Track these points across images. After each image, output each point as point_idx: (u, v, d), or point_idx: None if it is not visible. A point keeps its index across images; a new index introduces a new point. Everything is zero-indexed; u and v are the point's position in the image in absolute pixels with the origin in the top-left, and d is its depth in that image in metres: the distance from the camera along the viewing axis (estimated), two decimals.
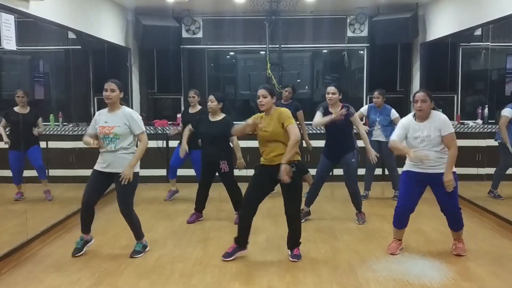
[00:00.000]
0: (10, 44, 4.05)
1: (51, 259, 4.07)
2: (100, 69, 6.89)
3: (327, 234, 4.71)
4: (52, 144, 6.11)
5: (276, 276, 3.67)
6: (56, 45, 6.25)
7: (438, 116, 3.92)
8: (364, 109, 6.14)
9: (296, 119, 5.47)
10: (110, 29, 6.75)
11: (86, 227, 4.16)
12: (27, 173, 5.49)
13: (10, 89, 5.91)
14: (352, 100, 7.57)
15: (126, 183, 3.93)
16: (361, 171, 6.14)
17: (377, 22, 7.47)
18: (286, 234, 4.11)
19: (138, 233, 4.18)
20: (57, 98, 7.11)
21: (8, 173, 5.45)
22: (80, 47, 6.58)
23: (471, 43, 7.29)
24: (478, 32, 6.36)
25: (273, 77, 7.46)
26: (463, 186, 6.07)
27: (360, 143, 5.10)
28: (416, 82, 7.53)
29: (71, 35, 5.98)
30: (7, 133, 5.46)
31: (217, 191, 5.97)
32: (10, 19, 4.02)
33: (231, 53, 8.24)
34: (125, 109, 4.02)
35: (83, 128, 5.94)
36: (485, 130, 6.74)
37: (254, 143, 4.17)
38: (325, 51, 8.14)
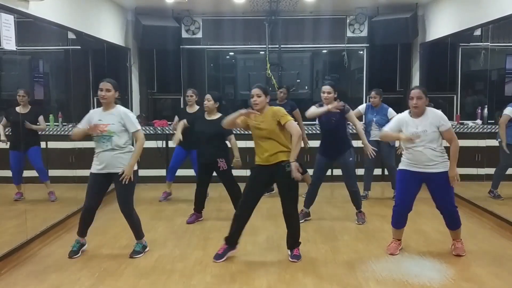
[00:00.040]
0: (10, 44, 4.04)
1: (51, 259, 4.07)
2: (100, 69, 6.88)
3: (327, 234, 4.71)
4: (52, 144, 6.11)
5: (276, 276, 3.67)
6: (56, 45, 6.25)
7: (434, 112, 3.95)
8: (362, 107, 6.13)
9: (294, 118, 5.46)
10: (110, 29, 6.75)
11: (84, 231, 4.17)
12: (27, 173, 5.50)
13: (10, 89, 5.91)
14: (352, 100, 7.57)
15: (127, 182, 3.94)
16: (360, 171, 6.15)
17: (377, 22, 7.48)
18: (286, 234, 4.11)
19: (138, 233, 4.18)
20: (57, 98, 7.10)
21: (8, 173, 5.45)
22: (80, 47, 6.58)
23: (471, 43, 7.30)
24: (477, 32, 6.36)
25: (272, 77, 7.45)
26: (463, 186, 6.10)
27: (358, 143, 5.11)
28: (415, 82, 7.53)
29: (71, 35, 5.98)
30: (8, 133, 5.46)
31: (217, 191, 5.98)
32: (10, 19, 4.02)
33: (231, 53, 8.24)
34: (120, 108, 4.03)
35: None
36: (485, 130, 6.74)
37: (253, 143, 4.17)
38: (325, 51, 8.13)
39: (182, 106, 7.10)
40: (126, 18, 7.41)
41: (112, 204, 4.86)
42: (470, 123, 7.06)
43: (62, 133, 6.35)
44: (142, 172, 7.35)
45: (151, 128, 7.42)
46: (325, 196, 6.22)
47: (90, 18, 6.01)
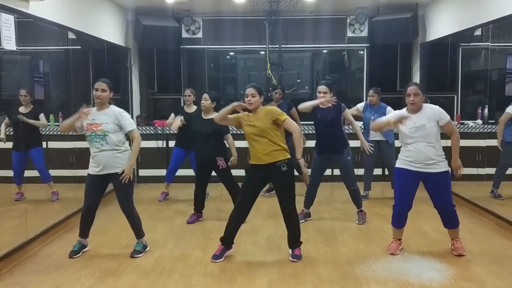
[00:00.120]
0: (10, 44, 4.05)
1: (51, 259, 4.07)
2: (100, 69, 6.88)
3: (327, 235, 4.71)
4: (52, 144, 6.11)
5: (276, 276, 3.67)
6: (56, 45, 6.25)
7: (431, 107, 3.97)
8: (360, 105, 6.13)
9: (291, 117, 5.48)
10: (110, 29, 6.75)
11: (85, 232, 4.18)
12: (27, 173, 5.51)
13: (10, 89, 5.91)
14: (352, 100, 7.58)
15: (127, 182, 3.95)
16: (360, 171, 6.15)
17: (377, 22, 7.48)
18: (286, 234, 4.11)
19: (138, 232, 4.19)
20: (57, 98, 7.10)
21: (8, 173, 5.46)
22: (80, 47, 6.59)
23: (471, 43, 7.30)
24: (478, 32, 6.36)
25: (273, 77, 7.45)
26: (463, 186, 6.11)
27: (357, 143, 5.11)
28: (418, 83, 7.51)
29: (71, 35, 5.98)
30: (10, 133, 5.46)
31: (217, 191, 5.98)
32: (10, 19, 4.02)
33: (231, 53, 8.24)
34: (114, 108, 4.03)
35: None
36: (485, 130, 6.74)
37: None
38: (325, 51, 8.13)
39: (182, 105, 7.11)
40: (126, 18, 7.41)
41: (112, 204, 4.86)
42: (470, 123, 7.07)
43: (62, 133, 6.34)
44: (142, 172, 7.41)
45: (151, 128, 7.42)
46: (325, 196, 6.22)
47: (90, 18, 6.01)
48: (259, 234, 4.71)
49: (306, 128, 6.72)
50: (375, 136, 5.91)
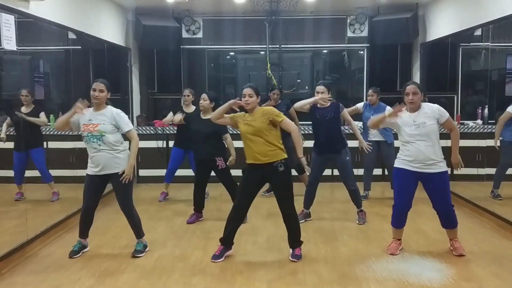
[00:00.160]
0: (10, 44, 4.05)
1: (51, 259, 4.07)
2: (100, 69, 6.88)
3: (327, 235, 4.71)
4: (52, 144, 6.11)
5: (276, 276, 3.67)
6: (56, 45, 6.25)
7: (430, 106, 3.98)
8: (360, 105, 6.14)
9: (290, 117, 5.48)
10: (110, 29, 6.75)
11: (84, 232, 4.19)
12: (27, 173, 5.51)
13: (10, 89, 5.91)
14: (352, 100, 7.57)
15: (127, 182, 3.96)
16: (360, 172, 6.15)
17: (377, 22, 7.48)
18: (286, 234, 4.11)
19: (138, 232, 4.19)
20: (57, 98, 7.10)
21: (8, 173, 5.46)
22: (80, 47, 6.58)
23: (471, 43, 7.30)
24: (478, 32, 6.36)
25: (273, 77, 7.45)
26: (463, 186, 6.12)
27: (355, 143, 5.11)
28: (417, 82, 7.52)
29: (71, 35, 5.97)
30: (12, 133, 5.46)
31: (217, 191, 5.98)
32: (10, 19, 4.02)
33: (231, 53, 8.23)
34: (112, 108, 4.03)
35: None
36: (485, 130, 6.74)
37: None
38: (325, 51, 8.13)
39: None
40: (127, 18, 7.41)
41: (112, 204, 4.86)
42: (470, 123, 7.07)
43: (62, 133, 6.35)
44: (142, 172, 7.41)
45: (151, 128, 7.43)
46: (325, 196, 6.23)
47: (91, 18, 6.01)
48: (259, 234, 4.71)
49: (305, 128, 6.72)
50: (374, 136, 5.91)
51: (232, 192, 5.01)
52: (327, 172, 6.23)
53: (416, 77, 7.56)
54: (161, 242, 4.49)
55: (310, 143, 5.30)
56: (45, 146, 5.87)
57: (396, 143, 5.76)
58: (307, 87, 7.72)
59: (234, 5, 6.96)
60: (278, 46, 7.57)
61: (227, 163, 5.03)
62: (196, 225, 5.09)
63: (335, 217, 5.38)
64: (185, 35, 7.73)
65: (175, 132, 6.18)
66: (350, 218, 5.21)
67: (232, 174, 5.11)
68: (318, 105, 4.88)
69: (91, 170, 4.02)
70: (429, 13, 7.22)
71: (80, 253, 4.14)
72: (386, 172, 6.54)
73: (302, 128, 6.61)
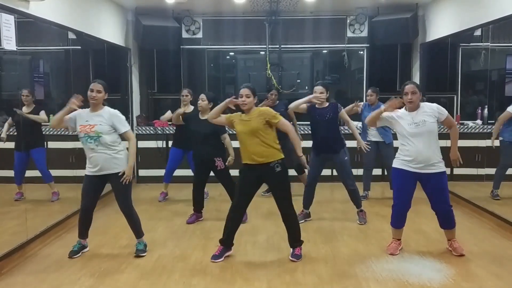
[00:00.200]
0: (10, 44, 4.05)
1: (51, 259, 4.07)
2: (100, 69, 6.88)
3: (327, 235, 4.72)
4: (52, 144, 6.10)
5: (276, 276, 3.67)
6: (56, 45, 6.24)
7: (429, 105, 4.00)
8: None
9: (288, 117, 5.49)
10: (110, 29, 6.75)
11: (84, 232, 4.19)
12: (27, 173, 5.50)
13: (10, 89, 5.91)
14: (352, 100, 7.54)
15: (127, 183, 3.97)
16: (360, 172, 6.16)
17: (377, 23, 7.48)
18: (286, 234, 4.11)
19: (138, 231, 4.20)
20: (57, 98, 7.09)
21: (8, 173, 5.45)
22: (80, 47, 6.58)
23: (471, 44, 7.29)
24: (478, 32, 6.36)
25: (273, 77, 7.46)
26: (463, 186, 6.12)
27: (354, 143, 5.11)
28: (416, 82, 7.52)
29: (71, 35, 5.97)
30: (13, 133, 5.45)
31: (217, 191, 5.98)
32: (10, 19, 4.02)
33: (231, 53, 8.23)
34: (109, 109, 4.03)
35: None
36: (485, 130, 6.74)
37: None
38: (325, 51, 8.13)
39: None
40: (127, 18, 7.41)
41: (112, 204, 4.86)
42: (470, 123, 7.07)
43: (62, 133, 6.35)
44: (142, 172, 7.41)
45: (151, 128, 7.43)
46: (325, 196, 6.23)
47: (90, 18, 6.01)
48: (259, 234, 4.71)
49: (303, 129, 6.72)
50: (373, 137, 5.92)
51: (231, 192, 5.00)
52: (327, 172, 6.24)
53: (416, 77, 7.56)
54: (161, 242, 4.49)
55: (308, 143, 5.30)
56: (45, 146, 5.87)
57: (395, 143, 5.81)
58: (307, 87, 7.72)
59: (234, 5, 6.96)
60: (278, 46, 7.57)
61: (226, 163, 5.02)
62: (196, 225, 5.09)
63: (335, 217, 5.38)
64: (185, 35, 7.73)
65: (174, 132, 6.18)
66: (350, 218, 5.21)
67: (231, 174, 5.11)
68: (316, 106, 4.89)
69: (89, 170, 4.02)
70: (429, 13, 7.22)
71: (80, 253, 4.15)
72: (386, 172, 6.53)
73: (300, 128, 6.60)
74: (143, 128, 7.44)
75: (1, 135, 5.42)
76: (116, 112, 4.04)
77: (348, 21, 7.66)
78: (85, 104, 4.02)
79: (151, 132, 7.38)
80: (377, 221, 5.12)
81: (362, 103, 6.10)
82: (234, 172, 5.20)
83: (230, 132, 5.32)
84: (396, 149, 4.20)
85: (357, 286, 3.49)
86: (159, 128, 7.34)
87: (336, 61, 7.96)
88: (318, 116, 4.87)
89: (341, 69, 7.90)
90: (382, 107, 4.09)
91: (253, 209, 5.51)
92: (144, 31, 7.28)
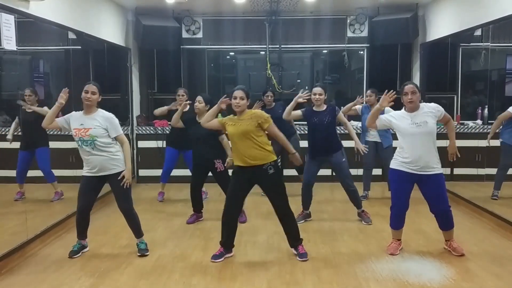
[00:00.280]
0: (10, 44, 4.05)
1: (51, 259, 4.07)
2: (100, 69, 6.88)
3: (327, 235, 4.71)
4: (52, 144, 6.09)
5: (276, 276, 3.67)
6: (56, 45, 6.25)
7: (428, 105, 4.00)
8: (358, 107, 6.14)
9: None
10: (110, 29, 6.75)
11: (82, 233, 4.19)
12: (29, 173, 5.49)
13: (10, 89, 5.91)
14: (352, 100, 7.55)
15: (128, 186, 3.99)
16: (360, 172, 6.16)
17: (377, 23, 7.48)
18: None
19: (138, 231, 4.20)
20: (57, 98, 7.09)
21: (8, 173, 5.45)
22: (80, 47, 6.58)
23: (471, 44, 7.29)
24: (478, 32, 6.36)
25: (273, 77, 7.46)
26: (463, 186, 6.12)
27: (352, 143, 5.12)
28: (416, 82, 7.49)
29: (71, 35, 5.97)
30: (19, 133, 5.45)
31: (217, 191, 5.96)
32: (10, 19, 4.02)
33: (231, 53, 8.24)
34: (103, 112, 4.01)
35: None
36: (485, 130, 6.73)
37: None
38: (325, 51, 8.13)
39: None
40: (127, 18, 7.41)
41: (112, 204, 4.86)
42: (470, 123, 7.07)
43: (63, 133, 6.34)
44: (142, 172, 7.41)
45: (151, 128, 7.43)
46: (325, 196, 6.23)
47: (91, 18, 6.01)
48: (259, 234, 4.71)
49: (303, 129, 6.73)
50: (373, 137, 5.91)
51: None
52: (327, 172, 6.23)
53: (416, 77, 7.56)
54: (161, 242, 4.49)
55: (305, 143, 5.30)
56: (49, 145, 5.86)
57: (395, 143, 5.80)
58: (307, 87, 7.70)
59: (234, 5, 6.96)
60: (278, 46, 7.57)
61: (225, 165, 5.02)
62: (196, 225, 5.09)
63: (335, 217, 5.38)
64: (185, 35, 7.74)
65: (169, 131, 6.17)
66: (350, 218, 5.21)
67: (230, 175, 5.10)
68: (314, 108, 4.88)
69: (87, 171, 4.02)
70: (429, 13, 7.22)
71: (80, 253, 4.14)
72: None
73: (298, 128, 6.60)
74: (143, 128, 7.44)
75: (8, 136, 5.41)
76: (111, 116, 4.01)
77: (348, 21, 7.66)
78: (77, 106, 4.01)
79: (151, 132, 7.38)
80: (377, 221, 5.11)
81: (363, 98, 6.11)
82: None
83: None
84: (395, 149, 4.19)
85: (357, 286, 3.49)
86: (159, 128, 7.34)
87: (336, 61, 7.96)
88: (318, 120, 4.86)
89: (341, 69, 7.90)
90: (378, 106, 4.09)
91: (253, 209, 5.52)
92: (144, 31, 7.28)
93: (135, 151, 7.38)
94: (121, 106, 7.46)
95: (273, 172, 3.89)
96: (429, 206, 4.05)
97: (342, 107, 5.68)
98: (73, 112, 4.06)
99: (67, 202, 5.48)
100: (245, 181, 3.99)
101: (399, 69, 7.94)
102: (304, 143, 5.49)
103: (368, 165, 6.11)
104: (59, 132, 5.46)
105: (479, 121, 7.06)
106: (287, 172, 6.66)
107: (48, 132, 5.84)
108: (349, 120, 5.66)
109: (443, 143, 4.13)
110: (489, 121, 6.80)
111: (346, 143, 5.11)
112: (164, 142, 7.23)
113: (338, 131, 5.13)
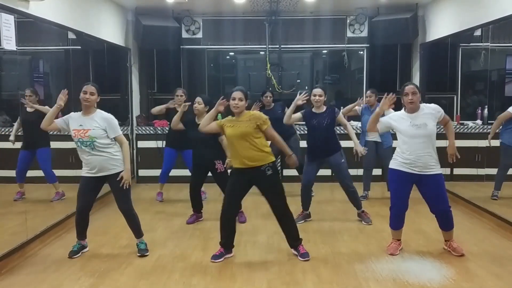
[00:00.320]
0: (10, 44, 4.05)
1: (51, 259, 4.07)
2: (100, 69, 6.88)
3: (327, 235, 4.71)
4: (52, 144, 6.09)
5: (276, 276, 3.67)
6: (56, 45, 6.25)
7: (428, 106, 3.99)
8: (358, 108, 6.15)
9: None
10: (110, 29, 6.75)
11: (81, 234, 4.19)
12: (29, 173, 5.49)
13: (10, 89, 5.91)
14: (352, 100, 7.56)
15: (127, 187, 3.98)
16: (360, 172, 6.16)
17: (377, 23, 7.48)
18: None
19: (138, 232, 4.20)
20: (57, 98, 7.09)
21: (8, 173, 5.45)
22: (80, 47, 6.58)
23: (471, 44, 7.30)
24: (477, 32, 6.36)
25: (273, 77, 7.46)
26: (462, 186, 6.12)
27: (351, 143, 5.13)
28: (416, 82, 7.50)
29: (71, 35, 5.97)
30: (20, 133, 5.45)
31: (217, 191, 5.96)
32: (10, 19, 4.02)
33: (231, 54, 8.24)
34: (102, 113, 4.00)
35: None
36: (485, 130, 6.74)
37: None
38: (325, 51, 8.14)
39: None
40: (126, 18, 7.41)
41: (112, 204, 4.85)
42: (470, 123, 7.07)
43: (62, 133, 6.34)
44: (142, 172, 7.41)
45: (151, 128, 7.43)
46: (325, 196, 6.23)
47: (90, 18, 6.01)
48: (259, 234, 4.71)
49: (302, 129, 6.73)
50: (374, 137, 5.91)
51: None
52: (327, 172, 6.23)
53: (416, 77, 7.56)
54: (161, 242, 4.49)
55: (305, 143, 5.30)
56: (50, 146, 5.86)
57: (395, 143, 5.80)
58: (307, 87, 7.71)
59: (234, 5, 6.96)
60: (278, 46, 7.57)
61: (225, 166, 5.02)
62: (196, 225, 5.09)
63: (335, 217, 5.38)
64: (185, 35, 7.74)
65: (167, 132, 6.16)
66: (350, 218, 5.21)
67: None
68: (314, 109, 4.88)
69: (87, 172, 4.02)
70: (429, 14, 7.22)
71: (80, 253, 4.14)
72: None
73: (298, 128, 6.60)
74: (143, 128, 7.44)
75: (10, 138, 5.40)
76: (110, 116, 4.00)
77: (348, 21, 7.67)
78: (77, 106, 4.01)
79: (151, 132, 7.38)
80: (377, 221, 5.11)
81: (363, 100, 6.11)
82: None
83: None
84: (394, 149, 4.19)
85: (357, 286, 3.49)
86: (159, 128, 7.34)
87: (336, 61, 7.96)
88: (317, 122, 4.86)
89: (341, 69, 7.91)
90: (378, 110, 4.07)
91: (253, 209, 5.51)
92: (144, 31, 7.28)
93: (134, 151, 7.38)
94: (121, 106, 7.47)
95: (271, 173, 3.89)
96: (429, 207, 4.05)
97: (342, 107, 5.68)
98: (72, 113, 4.05)
99: (67, 202, 5.48)
100: (243, 182, 3.99)
101: (399, 69, 7.95)
102: (304, 143, 5.49)
103: (368, 165, 6.11)
104: (59, 132, 5.46)
105: (479, 121, 7.06)
106: (287, 172, 6.66)
107: (48, 132, 5.85)
108: (348, 120, 5.67)
109: (443, 143, 4.13)
110: (489, 121, 6.80)
111: (345, 143, 5.11)
112: (164, 142, 7.25)
113: (337, 132, 5.13)
